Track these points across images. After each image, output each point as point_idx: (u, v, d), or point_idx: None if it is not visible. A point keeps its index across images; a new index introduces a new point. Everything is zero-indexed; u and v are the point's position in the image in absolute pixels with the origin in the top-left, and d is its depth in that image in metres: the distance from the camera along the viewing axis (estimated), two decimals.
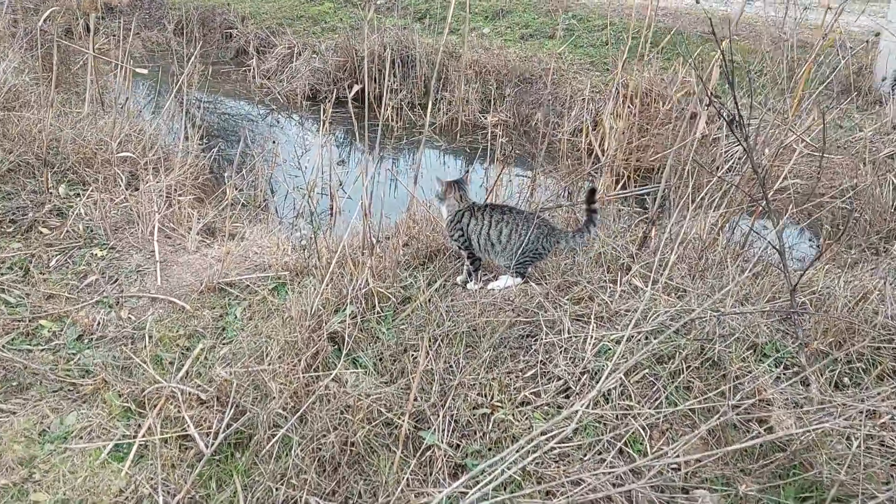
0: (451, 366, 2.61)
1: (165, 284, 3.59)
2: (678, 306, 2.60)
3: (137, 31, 7.46)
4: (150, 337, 3.20)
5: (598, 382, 2.28)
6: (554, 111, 6.75)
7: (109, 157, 4.51)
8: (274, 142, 6.50)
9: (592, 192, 3.06)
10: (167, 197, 4.44)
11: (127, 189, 4.35)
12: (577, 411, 2.09)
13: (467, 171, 3.24)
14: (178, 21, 9.77)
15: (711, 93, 2.82)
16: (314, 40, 8.56)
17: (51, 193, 4.19)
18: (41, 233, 3.93)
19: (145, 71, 4.16)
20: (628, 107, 5.43)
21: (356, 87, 3.04)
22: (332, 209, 4.87)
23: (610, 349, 2.51)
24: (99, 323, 3.29)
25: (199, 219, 4.13)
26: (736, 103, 2.63)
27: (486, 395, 2.47)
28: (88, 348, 3.15)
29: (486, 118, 6.98)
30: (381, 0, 9.53)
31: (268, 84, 8.16)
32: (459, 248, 3.23)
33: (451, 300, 3.06)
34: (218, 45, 9.57)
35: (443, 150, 6.63)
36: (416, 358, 2.68)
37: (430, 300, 3.02)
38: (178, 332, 3.23)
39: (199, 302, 3.44)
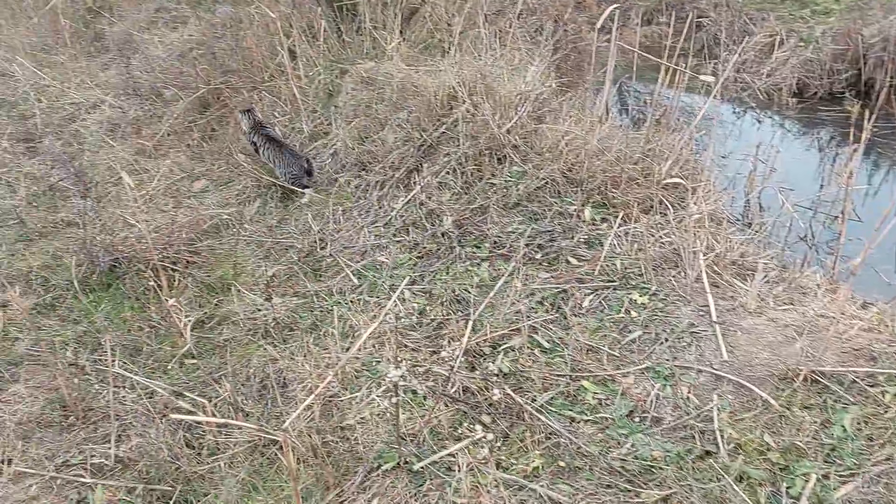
0: None
1: (731, 358, 2.97)
2: None
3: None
4: (722, 436, 2.60)
5: None
6: None
7: (638, 177, 4.13)
8: (758, 145, 5.54)
9: None
10: (709, 230, 3.86)
11: (663, 217, 3.90)
12: None
13: None
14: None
15: None
16: (801, 26, 7.41)
17: (579, 218, 3.99)
18: (569, 263, 3.73)
19: (711, 78, 3.62)
20: None
21: None
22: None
23: None
24: (652, 399, 2.84)
25: (764, 267, 3.42)
26: None
27: None
28: (641, 431, 2.72)
29: None
30: None
31: (744, 78, 7.31)
32: None
33: None
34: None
35: None
36: None
37: None
38: (762, 438, 2.57)
39: (788, 396, 2.72)
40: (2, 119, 6.19)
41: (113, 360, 3.23)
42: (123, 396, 3.15)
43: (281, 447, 2.67)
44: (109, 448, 2.91)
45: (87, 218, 4.25)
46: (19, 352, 3.51)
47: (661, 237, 3.74)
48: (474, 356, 3.19)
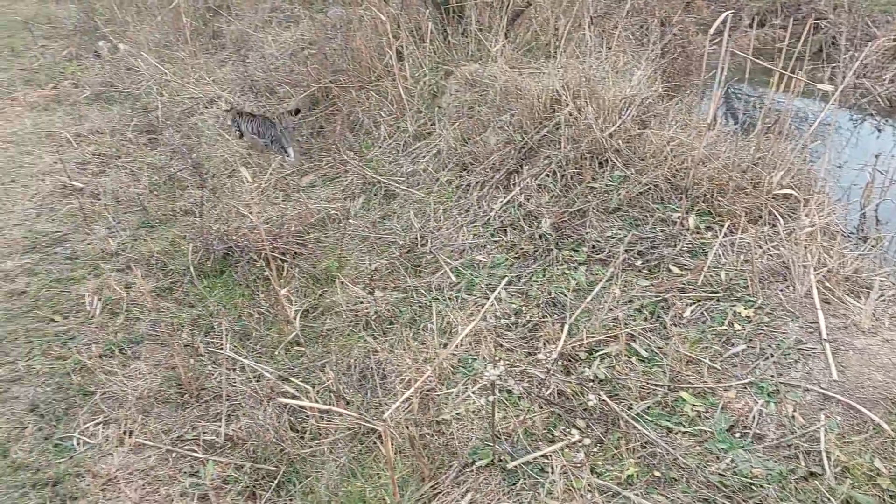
0: None
1: (841, 378, 2.87)
2: None
3: None
4: (829, 458, 2.52)
5: None
6: None
7: (747, 186, 4.02)
8: (878, 154, 5.19)
9: None
10: (821, 243, 3.71)
11: (773, 228, 3.78)
12: None
13: None
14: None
15: None
16: None
17: (683, 226, 3.92)
18: (671, 272, 3.67)
19: (830, 87, 3.48)
20: None
21: None
22: None
23: None
24: (755, 415, 2.77)
25: (880, 285, 3.27)
26: None
27: None
28: (742, 447, 2.66)
29: None
30: None
31: (864, 84, 6.91)
32: None
33: None
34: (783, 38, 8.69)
35: None
36: None
37: None
38: (872, 462, 2.47)
39: None
40: (127, 111, 6.64)
41: (225, 344, 3.44)
42: (234, 378, 3.34)
43: (380, 436, 2.77)
44: (220, 426, 3.10)
45: (204, 207, 4.51)
46: (140, 331, 3.78)
47: (769, 249, 3.63)
48: (569, 360, 3.21)
